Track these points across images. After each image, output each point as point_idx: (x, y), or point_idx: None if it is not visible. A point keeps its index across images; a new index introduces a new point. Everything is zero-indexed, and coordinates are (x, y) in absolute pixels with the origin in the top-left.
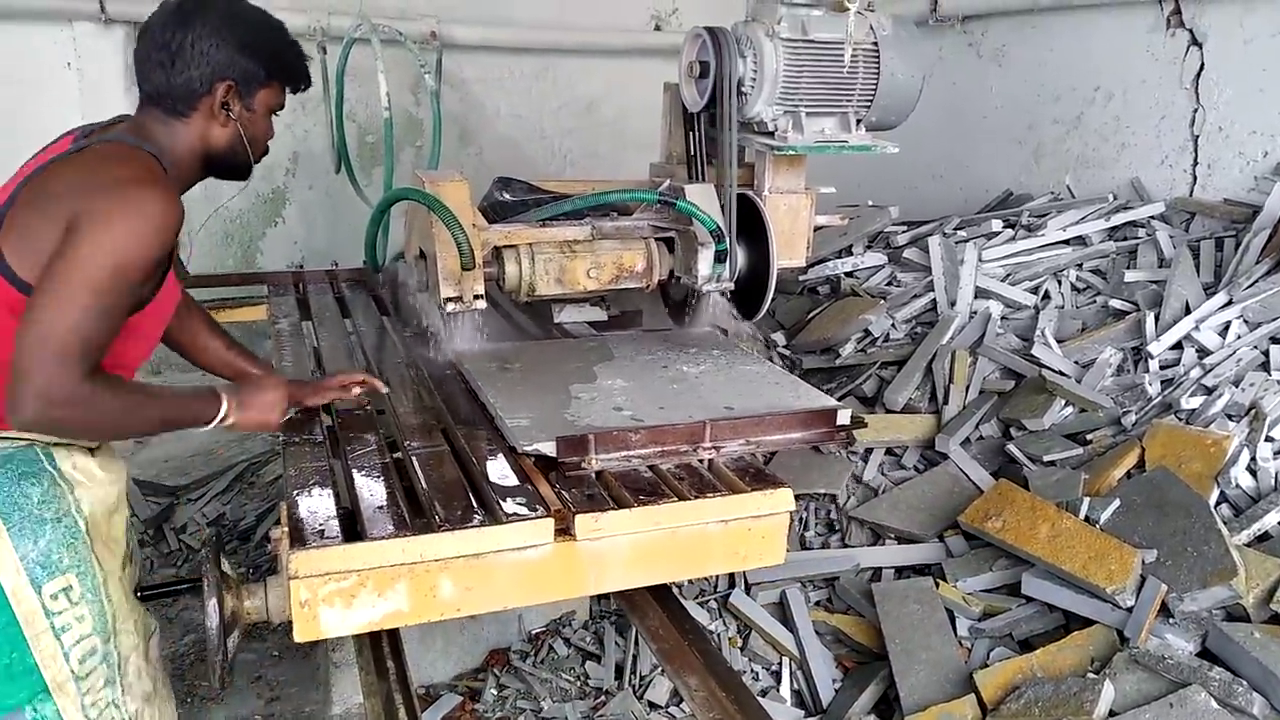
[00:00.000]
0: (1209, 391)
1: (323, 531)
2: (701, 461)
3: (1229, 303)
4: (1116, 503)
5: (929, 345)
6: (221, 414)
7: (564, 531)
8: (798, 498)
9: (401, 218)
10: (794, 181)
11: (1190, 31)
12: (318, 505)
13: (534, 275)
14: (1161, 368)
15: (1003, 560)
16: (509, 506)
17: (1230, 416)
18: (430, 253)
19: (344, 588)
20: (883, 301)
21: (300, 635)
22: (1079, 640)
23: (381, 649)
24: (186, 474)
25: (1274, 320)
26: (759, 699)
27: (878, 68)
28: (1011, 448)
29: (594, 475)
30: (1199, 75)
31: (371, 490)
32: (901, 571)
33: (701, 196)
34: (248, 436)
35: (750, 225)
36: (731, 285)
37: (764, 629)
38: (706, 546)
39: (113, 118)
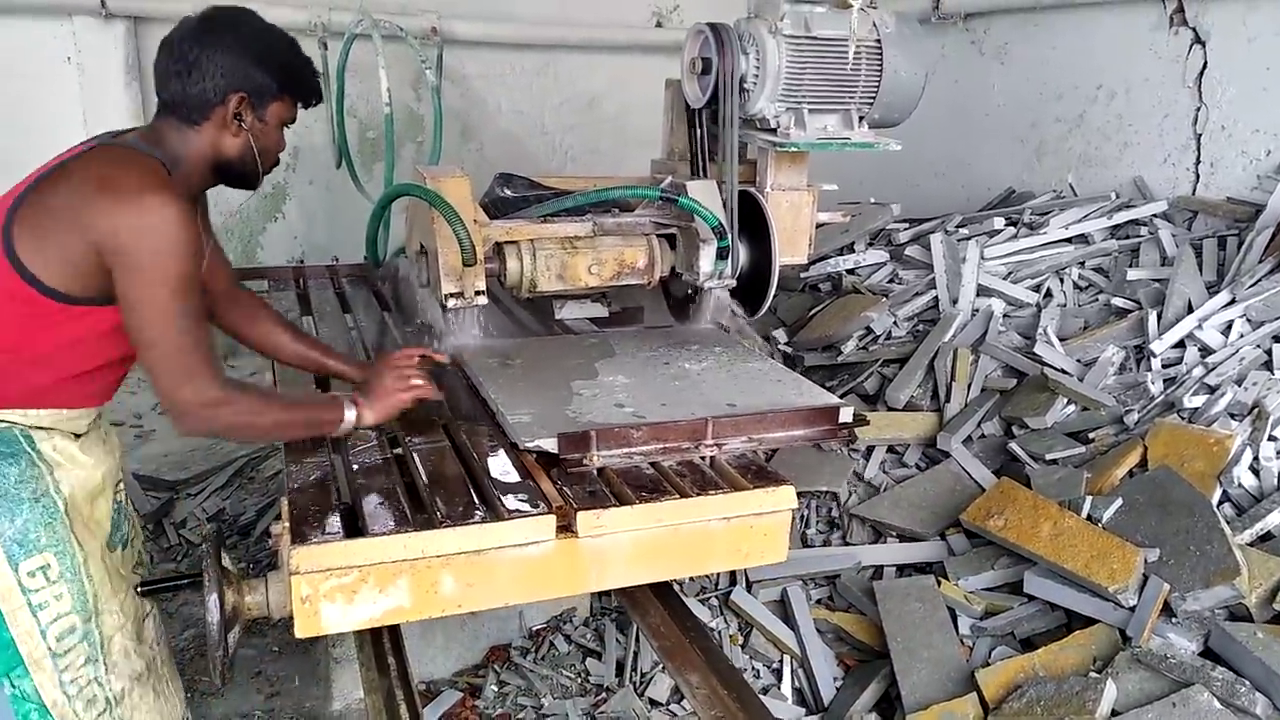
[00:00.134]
0: (1212, 390)
1: (324, 527)
2: (704, 459)
3: (1232, 301)
4: (1119, 502)
5: (931, 343)
6: (351, 419)
7: (566, 528)
8: (799, 495)
9: (402, 213)
10: (796, 178)
11: (1194, 30)
12: (318, 501)
13: (535, 271)
14: (1164, 366)
15: (1004, 559)
16: (510, 503)
17: (1233, 415)
18: (431, 248)
19: (345, 583)
20: (885, 299)
21: (301, 631)
22: (1081, 639)
23: (383, 645)
24: (186, 469)
25: (1277, 319)
26: (760, 697)
27: (880, 65)
28: (1013, 446)
29: (596, 472)
30: (1202, 74)
31: (372, 486)
32: (903, 570)
33: (703, 193)
34: None
35: (752, 222)
36: (734, 282)
37: (765, 627)
38: (709, 544)
39: (136, 127)
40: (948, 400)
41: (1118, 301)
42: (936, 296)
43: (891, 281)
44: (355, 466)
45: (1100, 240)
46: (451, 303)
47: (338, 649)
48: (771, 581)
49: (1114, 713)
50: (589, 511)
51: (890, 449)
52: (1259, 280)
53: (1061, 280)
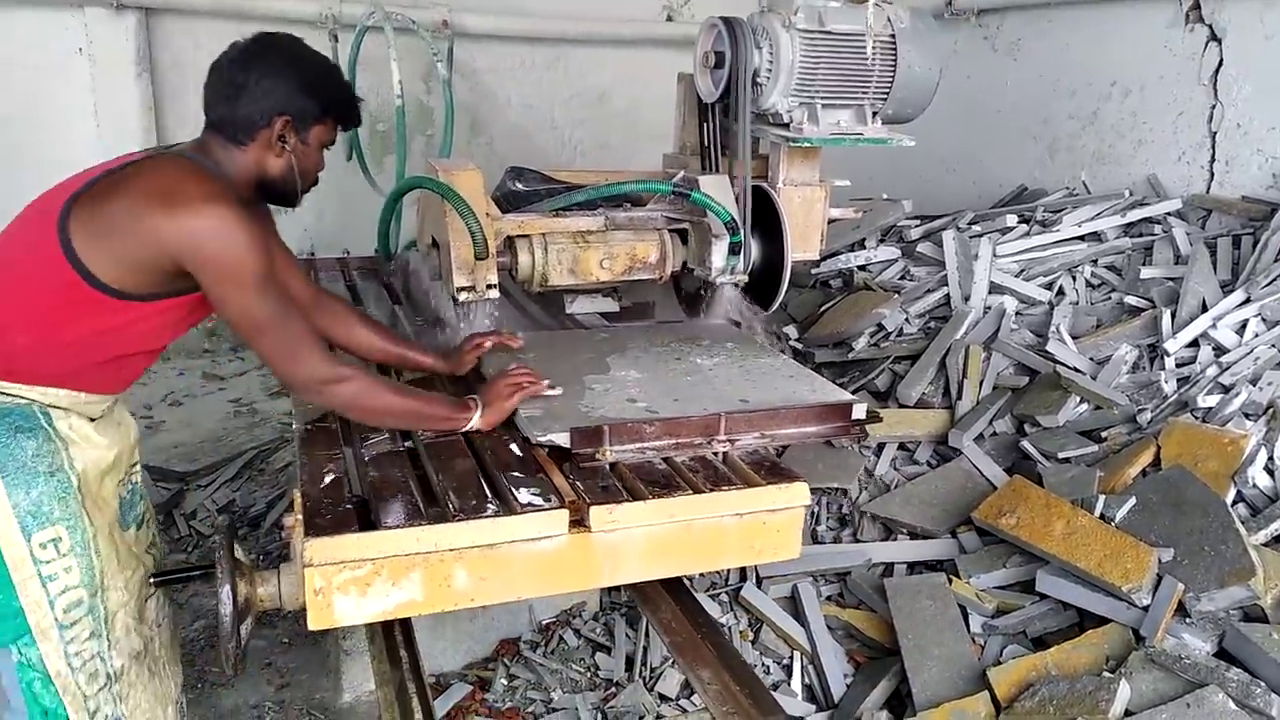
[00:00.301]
0: (1226, 390)
1: (337, 520)
2: (716, 454)
3: (1246, 300)
4: (1132, 501)
5: (943, 340)
6: (471, 424)
7: (578, 523)
8: (810, 492)
9: (414, 206)
10: (809, 174)
11: (1209, 27)
12: (331, 493)
13: (547, 265)
14: (1177, 365)
15: (1016, 557)
16: (523, 497)
17: (1247, 415)
18: (443, 241)
19: (358, 576)
20: (896, 296)
21: (314, 623)
22: (1094, 639)
23: (394, 638)
24: (196, 460)
25: None
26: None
27: (895, 60)
28: (1025, 444)
29: (608, 467)
30: (1218, 71)
31: (385, 479)
32: (913, 567)
33: (716, 188)
34: (257, 424)
35: (764, 217)
36: (745, 277)
37: (775, 623)
38: (721, 540)
39: (183, 142)
40: (959, 398)
41: (1131, 300)
42: (948, 293)
43: (903, 278)
44: (367, 459)
45: (1113, 238)
46: (463, 296)
47: (348, 641)
48: (782, 578)
49: (1128, 713)
50: (602, 506)
51: (901, 446)
52: (1274, 279)
53: (1074, 278)
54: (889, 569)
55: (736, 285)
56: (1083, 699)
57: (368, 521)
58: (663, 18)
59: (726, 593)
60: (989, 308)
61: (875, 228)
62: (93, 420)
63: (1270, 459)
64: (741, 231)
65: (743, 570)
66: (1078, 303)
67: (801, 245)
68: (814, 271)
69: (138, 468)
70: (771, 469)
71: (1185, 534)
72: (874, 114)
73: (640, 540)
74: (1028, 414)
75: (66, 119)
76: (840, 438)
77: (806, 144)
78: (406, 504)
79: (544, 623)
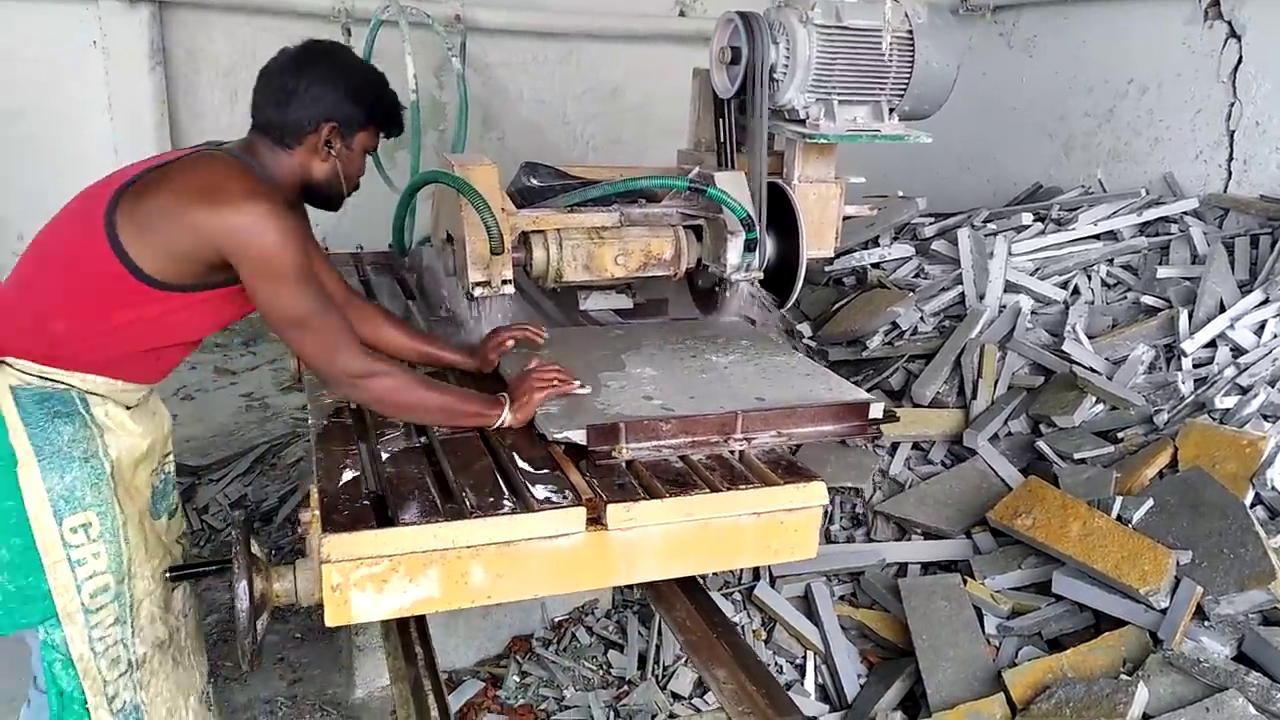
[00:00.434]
0: (1244, 391)
1: (355, 516)
2: (732, 453)
3: (1265, 301)
4: (1150, 502)
5: (957, 339)
6: (502, 421)
7: (595, 521)
8: None
9: (428, 201)
10: (824, 170)
11: (1229, 24)
12: (348, 489)
13: (561, 261)
14: (1195, 366)
15: (1031, 558)
16: (540, 494)
17: (1266, 417)
18: (459, 236)
19: (376, 573)
20: (911, 294)
21: (332, 620)
22: (1110, 641)
23: (409, 634)
24: (208, 454)
25: None
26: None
27: (912, 56)
28: (1041, 444)
29: (624, 464)
30: (1237, 68)
31: (401, 475)
32: (927, 567)
33: (732, 184)
34: (269, 418)
35: (779, 214)
36: (761, 274)
37: (789, 622)
38: (738, 539)
39: (229, 141)
40: (974, 397)
41: (1147, 299)
42: (963, 292)
43: (917, 276)
44: (384, 455)
45: (1129, 237)
46: (478, 291)
47: (361, 636)
48: (795, 577)
49: (1145, 716)
50: (619, 504)
51: (915, 445)
52: None
53: (1089, 277)
54: (903, 569)
55: (751, 282)
56: (1100, 701)
57: (385, 518)
58: (675, 13)
59: (739, 592)
60: (1004, 307)
61: (889, 225)
62: (129, 409)
63: None
64: (757, 228)
65: (756, 569)
66: (1093, 302)
67: (816, 242)
68: (827, 269)
69: (170, 458)
70: (789, 468)
71: (1204, 536)
72: (890, 110)
73: (657, 538)
74: (1043, 414)
75: (80, 112)
76: (857, 437)
77: (823, 140)
78: (424, 500)
79: (556, 620)
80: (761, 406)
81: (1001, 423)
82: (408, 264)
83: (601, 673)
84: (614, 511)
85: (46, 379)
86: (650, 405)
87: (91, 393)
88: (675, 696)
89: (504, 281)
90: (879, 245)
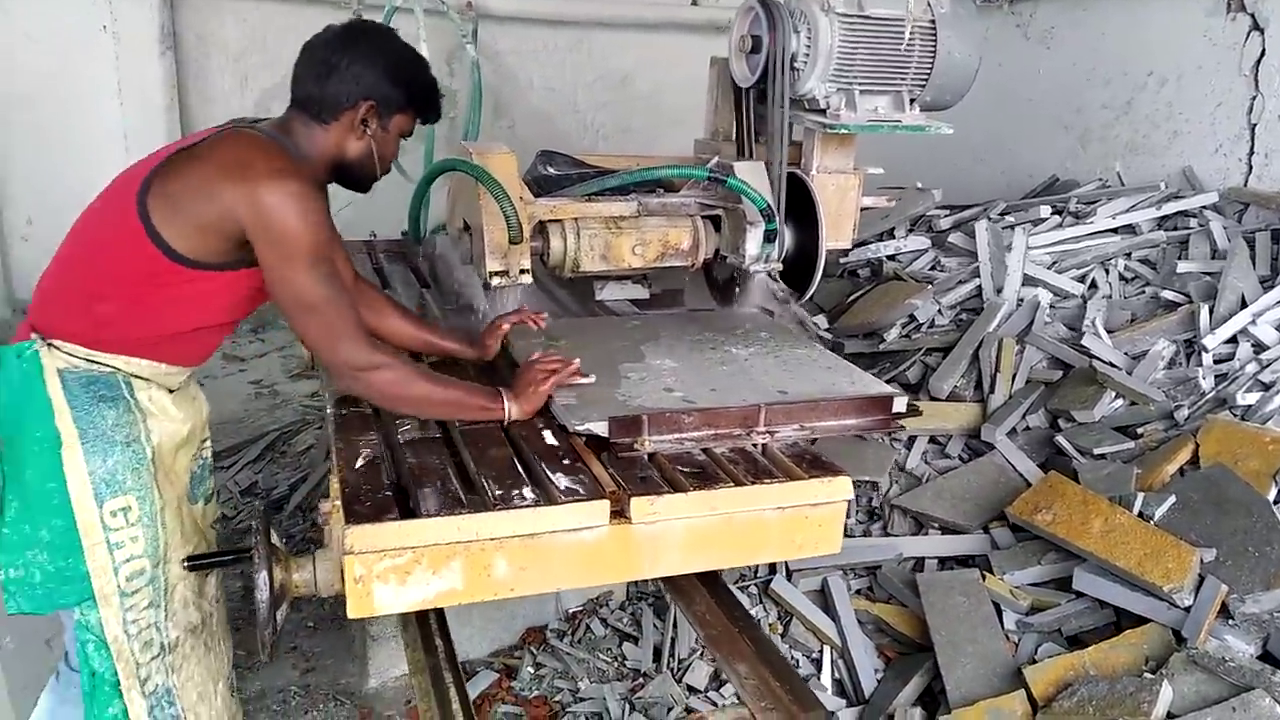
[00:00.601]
0: (1266, 387)
1: (378, 507)
2: (755, 446)
3: None
4: (1172, 499)
5: (975, 332)
6: (505, 415)
7: (619, 514)
8: None
9: (441, 190)
10: (843, 161)
11: (1252, 16)
12: (370, 480)
13: (579, 251)
14: (1215, 362)
15: (1051, 554)
16: (563, 486)
17: None
18: (476, 225)
19: (399, 564)
20: (929, 286)
21: (354, 611)
22: (1133, 639)
23: (429, 625)
24: (217, 441)
25: None
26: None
27: (934, 46)
28: (1060, 439)
29: (646, 457)
30: (1259, 61)
31: (423, 466)
32: (944, 562)
33: (751, 174)
34: (278, 405)
35: (797, 205)
36: (780, 266)
37: (805, 616)
38: (763, 533)
39: (265, 117)
40: (992, 391)
41: (1166, 294)
42: (980, 285)
43: (933, 269)
44: (403, 444)
45: (1147, 231)
46: (496, 281)
47: (375, 626)
48: (812, 570)
49: (1170, 715)
50: (643, 497)
51: (932, 439)
52: None
53: (1107, 271)
54: (919, 563)
55: (770, 274)
56: (1123, 700)
57: (407, 509)
58: (687, 1)
59: (755, 585)
60: (1021, 300)
61: (904, 217)
62: (171, 392)
63: None
64: (777, 219)
65: (772, 563)
66: (1111, 296)
67: (834, 234)
68: (842, 260)
69: (208, 444)
70: (813, 462)
71: (1228, 534)
72: (912, 101)
73: (680, 532)
74: (1062, 409)
75: (91, 96)
76: (880, 431)
77: (843, 130)
78: (446, 492)
79: (571, 611)
80: (784, 399)
81: (1019, 417)
82: (421, 252)
83: (616, 665)
84: (638, 505)
85: (93, 362)
86: (671, 397)
87: (136, 376)
88: (691, 690)
89: (522, 271)
90: (894, 237)
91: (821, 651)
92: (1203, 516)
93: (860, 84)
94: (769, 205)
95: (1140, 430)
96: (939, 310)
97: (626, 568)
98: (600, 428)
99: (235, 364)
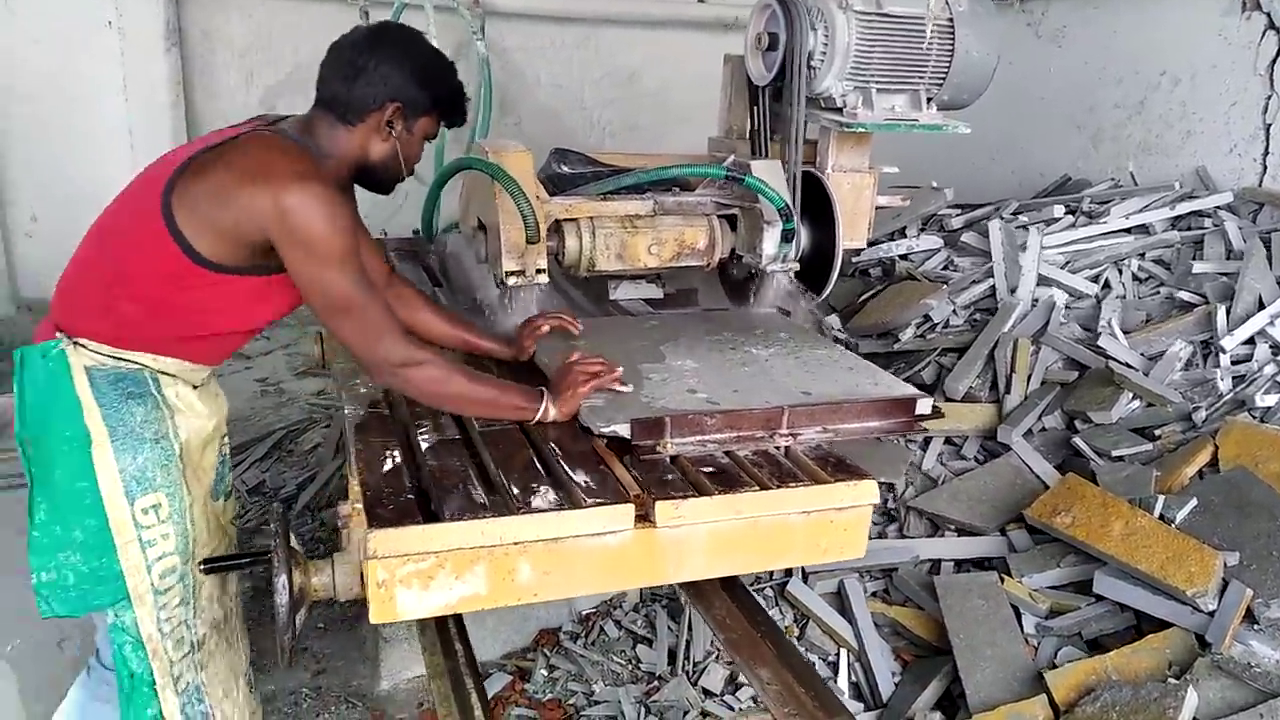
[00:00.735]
0: None
1: (400, 511)
2: (778, 449)
3: None
4: (1193, 502)
5: (990, 333)
6: (540, 414)
7: (643, 518)
8: None
9: (452, 188)
10: (858, 160)
11: (1268, 15)
12: (391, 483)
13: (594, 250)
14: (1233, 363)
15: (1070, 556)
16: (587, 490)
17: None
18: (492, 224)
19: (422, 569)
20: (944, 286)
21: (376, 617)
22: (1155, 643)
23: (448, 630)
24: None
25: None
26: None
27: (952, 44)
28: (1078, 441)
29: (668, 459)
30: (1275, 61)
31: (444, 468)
32: (961, 564)
33: (769, 173)
34: (284, 403)
35: (812, 204)
36: (797, 265)
37: (822, 619)
38: (788, 537)
39: (289, 115)
40: (1007, 392)
41: (1182, 295)
42: (994, 285)
43: (946, 268)
44: (424, 447)
45: (1161, 231)
46: (512, 280)
47: (387, 628)
48: (828, 573)
49: None
50: (668, 501)
51: (948, 440)
52: None
53: (1120, 271)
54: (935, 566)
55: (787, 273)
56: (1148, 706)
57: (429, 513)
58: None
59: (772, 588)
60: (1036, 300)
61: (916, 216)
62: (195, 388)
63: None
64: (795, 218)
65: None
66: (1124, 296)
67: (849, 233)
68: (854, 260)
69: (227, 440)
70: (837, 465)
71: (1251, 538)
72: (929, 100)
73: (704, 536)
74: (1078, 410)
75: (95, 93)
76: (904, 433)
77: (860, 129)
78: (469, 495)
79: (584, 613)
80: (808, 401)
81: (1036, 418)
82: (433, 251)
83: (630, 667)
84: (663, 509)
85: (120, 359)
86: (694, 399)
87: (163, 372)
88: (706, 693)
89: (538, 271)
90: (905, 236)
91: (838, 655)
92: (1224, 520)
93: (878, 82)
94: (787, 204)
95: (1158, 432)
96: (954, 310)
97: (650, 572)
98: (624, 430)
99: (241, 361)
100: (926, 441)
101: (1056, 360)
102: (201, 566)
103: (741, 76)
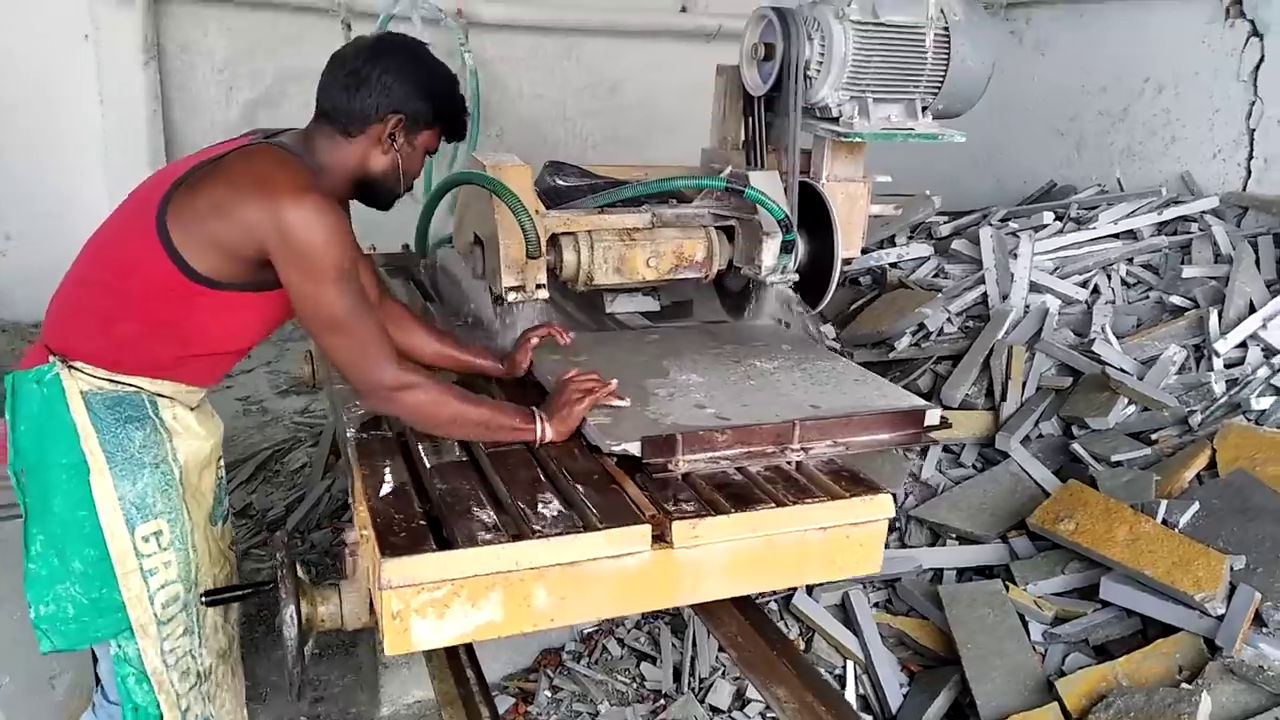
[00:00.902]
0: (1279, 392)
1: (413, 537)
2: (789, 464)
3: None
4: (1195, 506)
5: (985, 340)
6: (538, 435)
7: (660, 539)
8: None
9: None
10: (853, 169)
11: (1251, 22)
12: (401, 509)
13: (592, 264)
14: (1226, 366)
15: (1074, 563)
16: (601, 512)
17: None
18: (490, 239)
19: (437, 598)
20: (938, 295)
21: (392, 649)
22: (1164, 648)
23: (458, 656)
24: None
25: None
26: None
27: (948, 53)
28: (1076, 447)
29: (680, 477)
30: (1258, 67)
31: (454, 492)
32: (963, 573)
33: (767, 184)
34: (268, 423)
35: (807, 214)
36: (796, 276)
37: (827, 631)
38: (804, 555)
39: (288, 129)
40: (1003, 399)
41: (1174, 299)
42: (985, 292)
43: (937, 276)
44: (430, 470)
45: (1149, 236)
46: (512, 296)
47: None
48: (832, 585)
49: None
50: (685, 521)
51: (946, 449)
52: None
53: (1109, 277)
54: (937, 575)
55: (784, 285)
56: (1162, 711)
57: (441, 539)
58: (677, 9)
59: (776, 601)
60: (1028, 307)
61: (904, 224)
62: (192, 410)
63: None
64: (794, 229)
65: None
66: (1114, 302)
67: (844, 243)
68: (845, 269)
69: (222, 462)
70: (851, 479)
71: (1256, 541)
72: (924, 108)
73: (722, 556)
74: (1075, 416)
75: (72, 107)
76: (913, 445)
77: (856, 139)
78: (482, 520)
79: (586, 632)
80: (818, 415)
81: (1032, 425)
82: (423, 266)
83: (635, 686)
84: (679, 529)
85: (118, 383)
86: (704, 415)
87: (160, 395)
88: (714, 710)
89: (538, 285)
90: (895, 245)
91: (845, 667)
92: (1228, 523)
93: (874, 92)
94: (786, 216)
95: (1154, 436)
96: (948, 318)
97: (667, 594)
98: (634, 448)
99: (222, 380)
100: (924, 450)
101: (1050, 366)
102: (204, 599)
103: (736, 87)
